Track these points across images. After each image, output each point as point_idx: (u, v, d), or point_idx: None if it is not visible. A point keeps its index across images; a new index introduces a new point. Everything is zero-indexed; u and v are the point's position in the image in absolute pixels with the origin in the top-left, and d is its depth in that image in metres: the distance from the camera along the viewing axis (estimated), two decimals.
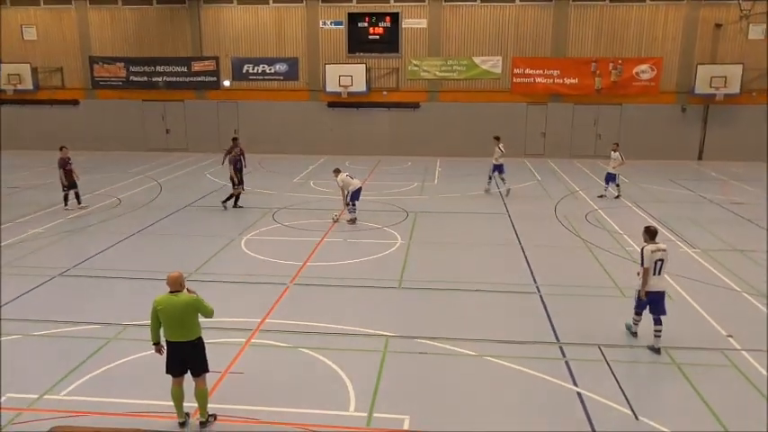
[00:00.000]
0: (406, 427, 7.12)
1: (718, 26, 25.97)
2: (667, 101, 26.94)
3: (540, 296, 11.28)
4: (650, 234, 9.15)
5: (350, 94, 27.79)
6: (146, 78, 29.22)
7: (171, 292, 6.97)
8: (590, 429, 7.13)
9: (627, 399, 7.75)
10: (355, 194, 16.31)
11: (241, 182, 18.32)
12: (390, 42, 27.84)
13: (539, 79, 27.35)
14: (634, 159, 26.61)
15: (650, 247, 8.95)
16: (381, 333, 9.61)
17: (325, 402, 7.70)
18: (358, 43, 27.91)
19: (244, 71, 28.80)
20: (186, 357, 7.07)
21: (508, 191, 20.07)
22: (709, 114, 26.94)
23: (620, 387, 8.04)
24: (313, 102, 28.71)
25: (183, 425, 7.14)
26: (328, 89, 27.89)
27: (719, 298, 11.15)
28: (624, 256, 13.60)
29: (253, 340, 9.43)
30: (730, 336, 9.50)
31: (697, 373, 8.37)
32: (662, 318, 8.98)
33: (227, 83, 29.04)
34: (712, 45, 26.30)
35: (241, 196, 18.20)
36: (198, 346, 7.13)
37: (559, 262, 13.28)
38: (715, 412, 7.46)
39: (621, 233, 15.37)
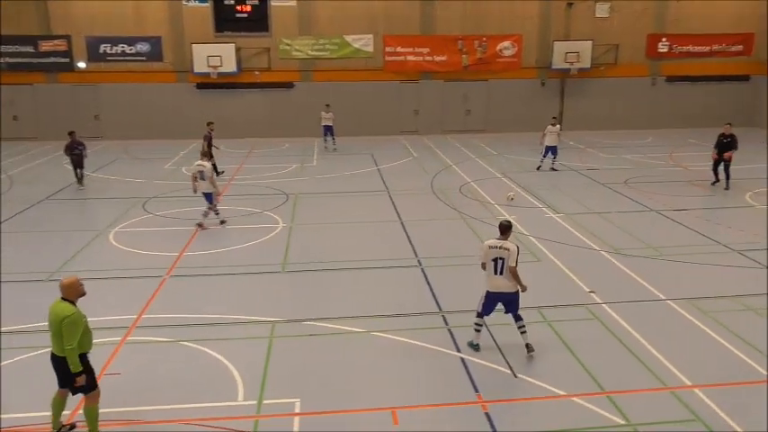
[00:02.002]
0: (297, 410, 7.10)
1: (570, 5, 27.80)
2: (528, 76, 28.53)
3: (422, 269, 11.64)
4: (500, 229, 8.32)
5: (220, 74, 26.77)
6: None
7: (62, 297, 6.41)
8: (474, 390, 7.51)
9: (505, 359, 8.24)
10: (207, 196, 14.25)
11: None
12: (259, 21, 26.95)
13: (410, 57, 27.88)
14: (501, 132, 28.09)
15: (488, 242, 8.23)
16: (267, 319, 9.48)
17: (213, 395, 7.49)
18: (225, 22, 26.71)
19: (101, 51, 26.78)
20: (58, 371, 6.49)
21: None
22: (566, 87, 28.89)
23: (499, 348, 8.52)
24: (181, 84, 27.36)
25: None
26: (196, 70, 26.68)
27: (581, 257, 12.10)
28: (495, 224, 14.30)
29: (129, 338, 8.94)
30: (592, 291, 10.36)
31: (565, 328, 9.07)
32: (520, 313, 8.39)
33: (81, 64, 26.85)
34: (566, 23, 28.13)
35: (105, 186, 17.04)
36: (63, 364, 6.38)
37: (438, 234, 13.77)
38: (583, 363, 8.13)
39: (493, 203, 16.19)
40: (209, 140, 19.48)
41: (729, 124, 17.08)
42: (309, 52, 27.51)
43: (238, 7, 26.71)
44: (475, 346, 8.46)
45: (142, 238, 13.61)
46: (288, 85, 27.77)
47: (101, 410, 6.96)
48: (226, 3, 26.57)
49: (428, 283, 10.91)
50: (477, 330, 8.48)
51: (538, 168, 20.26)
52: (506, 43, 28.06)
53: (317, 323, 9.29)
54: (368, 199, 17.17)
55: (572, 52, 27.61)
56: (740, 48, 28.75)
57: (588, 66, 27.78)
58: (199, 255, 12.49)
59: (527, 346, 8.29)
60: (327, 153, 24.15)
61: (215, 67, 26.53)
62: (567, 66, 27.73)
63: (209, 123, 20.36)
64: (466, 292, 10.43)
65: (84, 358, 6.44)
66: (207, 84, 27.23)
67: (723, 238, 13.09)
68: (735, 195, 16.23)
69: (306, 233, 13.91)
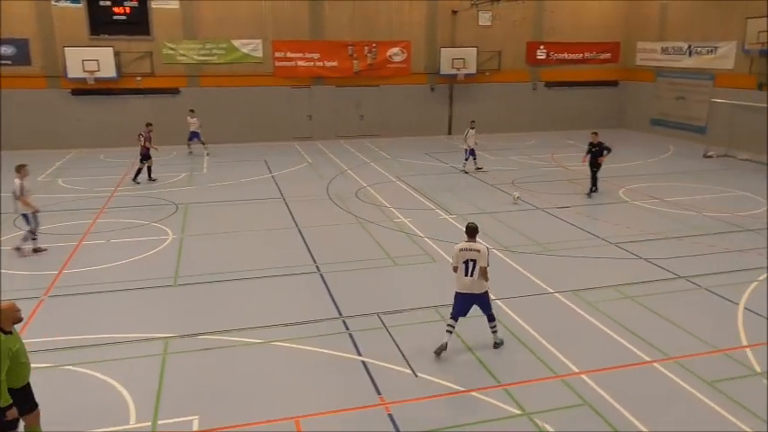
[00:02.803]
0: (195, 428, 6.82)
1: (455, 12, 28.78)
2: (418, 81, 29.22)
3: (321, 274, 11.57)
4: (468, 232, 8.53)
5: (97, 80, 25.18)
6: None
7: None
8: (376, 393, 7.55)
9: (406, 359, 8.36)
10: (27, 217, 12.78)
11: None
12: (139, 24, 25.79)
13: (300, 62, 27.67)
14: (394, 137, 28.56)
15: (459, 245, 8.45)
16: (159, 335, 9.02)
17: (101, 420, 7.03)
18: (101, 24, 25.33)
19: None
20: None
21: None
22: (454, 93, 29.88)
23: (399, 349, 8.63)
24: (53, 89, 25.42)
25: None
26: (70, 75, 24.92)
27: None
28: (393, 227, 14.54)
29: None
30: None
31: (461, 326, 9.28)
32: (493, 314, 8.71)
33: None
34: (451, 30, 29.09)
35: None
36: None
37: (335, 239, 13.74)
38: (479, 357, 8.41)
39: (389, 206, 16.40)
40: (148, 141, 19.53)
41: (595, 133, 17.55)
42: (195, 57, 26.57)
43: (115, 9, 25.41)
44: (442, 347, 8.41)
45: (14, 256, 12.52)
46: (173, 91, 26.64)
47: None
48: (101, 3, 25.19)
49: (327, 289, 10.85)
50: (449, 332, 8.49)
51: (464, 170, 20.83)
52: (396, 49, 28.59)
53: (214, 336, 8.97)
54: (263, 206, 16.84)
55: (458, 58, 28.60)
56: (608, 55, 31.08)
57: (474, 71, 28.89)
58: (81, 272, 11.68)
59: (495, 344, 8.70)
60: (219, 159, 23.42)
61: (91, 71, 24.91)
62: (454, 71, 28.68)
63: (148, 124, 20.13)
64: (365, 296, 10.51)
65: (20, 391, 5.94)
66: (83, 90, 25.53)
67: (601, 232, 14.05)
68: (609, 192, 17.48)
69: (198, 244, 13.40)
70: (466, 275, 8.32)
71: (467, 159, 20.89)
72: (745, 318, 9.58)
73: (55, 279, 11.30)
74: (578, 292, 10.54)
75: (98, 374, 7.97)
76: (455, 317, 8.54)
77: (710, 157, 23.29)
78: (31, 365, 8.11)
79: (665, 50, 28.40)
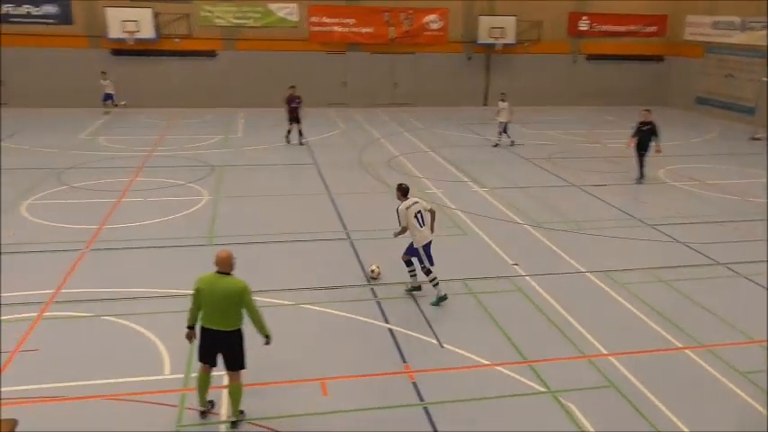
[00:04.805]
0: (225, 383, 7.02)
1: None
2: (454, 50, 28.77)
3: (351, 241, 11.67)
4: (402, 191, 9.08)
5: (137, 41, 25.42)
6: None
7: (218, 272, 6.17)
8: (401, 361, 7.66)
9: (432, 329, 8.44)
10: None
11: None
12: None
13: (336, 28, 27.47)
14: (428, 106, 28.31)
15: (404, 204, 8.94)
16: (192, 292, 9.24)
17: (138, 369, 7.31)
18: None
19: (3, 12, 24.77)
20: (222, 349, 6.26)
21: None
22: (491, 63, 29.37)
23: (426, 319, 8.71)
24: (94, 49, 25.78)
25: (203, 414, 6.44)
26: (111, 35, 25.20)
27: (506, 231, 12.47)
28: (424, 198, 14.49)
29: (45, 314, 8.54)
30: (516, 264, 10.72)
31: (490, 300, 9.37)
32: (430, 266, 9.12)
33: None
34: None
35: (14, 156, 16.02)
36: (234, 339, 6.27)
37: (366, 207, 13.81)
38: (506, 333, 8.44)
39: (420, 176, 16.36)
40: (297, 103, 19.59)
41: (648, 110, 16.39)
42: (231, 20, 26.56)
43: None
44: (418, 287, 9.35)
45: (58, 210, 12.92)
46: (210, 54, 26.76)
47: (16, 387, 6.69)
48: None
49: (357, 256, 10.96)
50: (436, 284, 9.09)
51: (498, 143, 20.42)
52: (432, 16, 28.13)
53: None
54: (295, 171, 16.96)
55: (496, 27, 28.02)
56: (655, 28, 30.07)
57: (513, 41, 28.31)
58: (120, 228, 12.01)
59: (413, 289, 9.42)
60: (253, 123, 23.53)
61: (131, 32, 25.14)
62: (491, 41, 28.15)
63: (292, 87, 20.07)
64: (394, 265, 10.56)
65: None
66: (123, 50, 25.82)
67: (637, 212, 13.82)
68: (649, 172, 17.11)
69: (232, 205, 13.61)
70: (422, 227, 8.98)
71: (500, 134, 20.39)
72: None
73: (96, 233, 11.63)
74: (610, 273, 10.44)
75: (135, 326, 8.25)
76: (411, 263, 9.23)
77: (758, 139, 22.39)
78: (73, 315, 8.48)
79: (715, 25, 27.31)
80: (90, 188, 14.56)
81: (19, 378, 7.03)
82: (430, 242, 9.08)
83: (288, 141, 19.91)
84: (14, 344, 7.73)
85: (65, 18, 25.25)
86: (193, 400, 6.55)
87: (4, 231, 11.52)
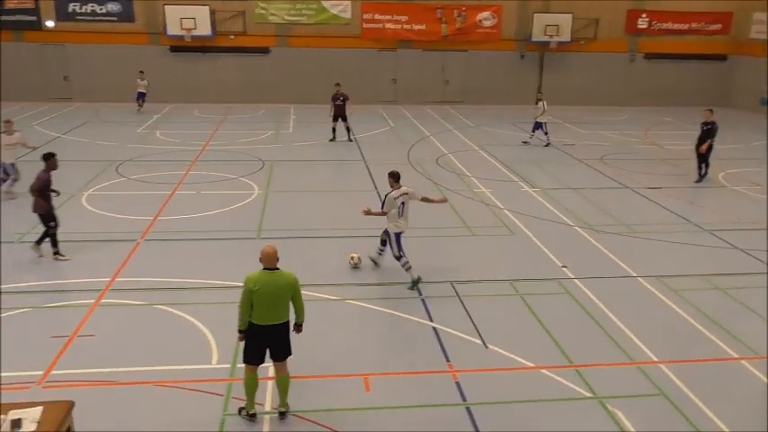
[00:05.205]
0: (270, 374, 7.14)
1: None
2: (507, 47, 28.41)
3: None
4: (395, 178, 9.55)
5: (194, 37, 26.11)
6: None
7: (266, 269, 6.17)
8: (445, 360, 7.63)
9: (477, 330, 8.36)
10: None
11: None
12: None
13: (388, 25, 27.50)
14: (478, 104, 28.05)
15: (393, 193, 9.43)
16: (241, 285, 9.43)
17: (187, 358, 7.50)
18: None
19: (70, 10, 25.85)
20: (272, 342, 6.29)
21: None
22: (545, 61, 28.87)
23: (471, 319, 8.64)
24: (153, 46, 26.62)
25: (253, 416, 6.39)
26: (170, 32, 25.96)
27: (555, 232, 12.24)
28: (472, 197, 14.41)
29: (102, 300, 8.87)
30: (565, 266, 10.52)
31: (537, 301, 9.21)
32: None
33: (50, 23, 25.93)
34: None
35: (76, 148, 16.67)
36: (285, 329, 6.32)
37: (414, 205, 13.71)
38: (553, 336, 8.29)
39: (469, 175, 16.23)
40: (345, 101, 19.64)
41: (710, 110, 16.07)
42: (286, 17, 26.95)
43: None
44: (376, 264, 10.08)
45: (116, 201, 13.38)
46: (263, 51, 27.23)
47: (73, 371, 6.96)
48: None
49: None
50: (409, 269, 9.54)
51: (524, 143, 20.31)
52: (486, 14, 27.84)
53: None
54: (344, 167, 17.08)
55: (551, 25, 27.52)
56: (718, 26, 28.95)
57: (568, 39, 27.75)
58: (174, 219, 12.35)
59: (374, 261, 10.14)
60: (304, 119, 23.83)
61: (189, 29, 25.84)
62: (546, 39, 27.67)
63: (337, 84, 20.20)
64: (440, 263, 10.55)
65: None
66: (180, 47, 26.55)
67: (694, 216, 13.35)
68: (708, 175, 16.49)
69: (281, 200, 13.81)
70: (400, 216, 9.49)
71: (545, 133, 20.07)
72: None
73: (150, 225, 12.01)
74: (663, 279, 10.11)
75: (185, 315, 8.47)
76: (402, 251, 9.59)
77: None
78: (127, 302, 8.77)
79: None
80: (146, 180, 15.04)
81: (76, 362, 7.33)
82: (402, 232, 9.60)
83: (333, 139, 20.00)
84: (73, 329, 8.06)
85: (127, 16, 26.17)
86: (239, 390, 6.63)
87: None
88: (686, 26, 28.83)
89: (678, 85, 29.22)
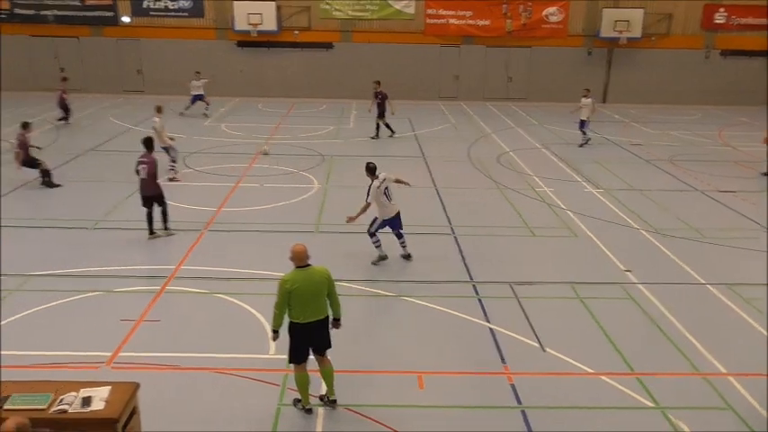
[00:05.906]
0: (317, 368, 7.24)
1: None
2: (574, 44, 27.69)
3: (455, 237, 11.60)
4: (371, 171, 10.00)
5: (260, 33, 26.66)
6: (33, 11, 26.68)
7: (299, 267, 6.21)
8: (501, 361, 7.53)
9: (534, 332, 8.21)
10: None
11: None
12: None
13: (452, 20, 27.28)
14: (542, 101, 27.48)
15: (375, 183, 9.84)
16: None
17: (244, 346, 7.69)
18: None
19: (144, 6, 26.88)
20: (315, 337, 6.35)
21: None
22: (613, 58, 27.98)
23: (529, 321, 8.49)
24: (221, 41, 27.35)
25: (310, 411, 6.51)
26: (237, 28, 26.61)
27: (620, 235, 11.87)
28: (533, 196, 14.15)
29: (168, 287, 9.20)
30: (629, 270, 10.19)
31: (598, 307, 8.96)
32: (403, 233, 10.29)
33: (126, 19, 27.02)
34: None
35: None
36: (326, 324, 6.39)
37: (472, 203, 13.65)
38: (614, 342, 8.05)
39: (531, 174, 15.94)
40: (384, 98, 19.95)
41: None
42: (350, 12, 27.13)
43: None
44: (384, 257, 10.20)
45: (182, 191, 13.83)
46: (327, 46, 27.52)
47: (139, 353, 7.24)
48: None
49: (460, 252, 10.87)
50: (380, 245, 10.19)
51: (582, 145, 19.66)
52: (552, 9, 27.20)
53: (348, 284, 9.36)
54: (403, 164, 17.05)
55: (622, 20, 26.63)
56: None
57: (638, 35, 26.78)
58: (236, 211, 12.67)
59: (406, 256, 10.31)
60: (365, 114, 23.90)
61: (255, 24, 26.41)
62: (615, 35, 26.79)
63: (377, 82, 20.60)
64: (498, 264, 10.41)
65: None
66: (247, 42, 27.17)
67: None
68: None
69: (340, 195, 13.94)
70: (391, 201, 10.00)
71: (584, 133, 19.29)
72: None
73: (214, 215, 12.36)
74: (734, 287, 9.65)
75: (245, 305, 8.68)
76: (375, 234, 10.09)
77: None
78: (191, 290, 9.05)
79: None
80: (211, 172, 15.48)
81: (142, 345, 7.64)
82: (398, 212, 10.10)
83: (375, 136, 20.00)
84: (140, 313, 8.40)
85: (197, 11, 26.99)
86: (294, 382, 6.72)
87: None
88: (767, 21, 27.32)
89: (756, 84, 27.74)
